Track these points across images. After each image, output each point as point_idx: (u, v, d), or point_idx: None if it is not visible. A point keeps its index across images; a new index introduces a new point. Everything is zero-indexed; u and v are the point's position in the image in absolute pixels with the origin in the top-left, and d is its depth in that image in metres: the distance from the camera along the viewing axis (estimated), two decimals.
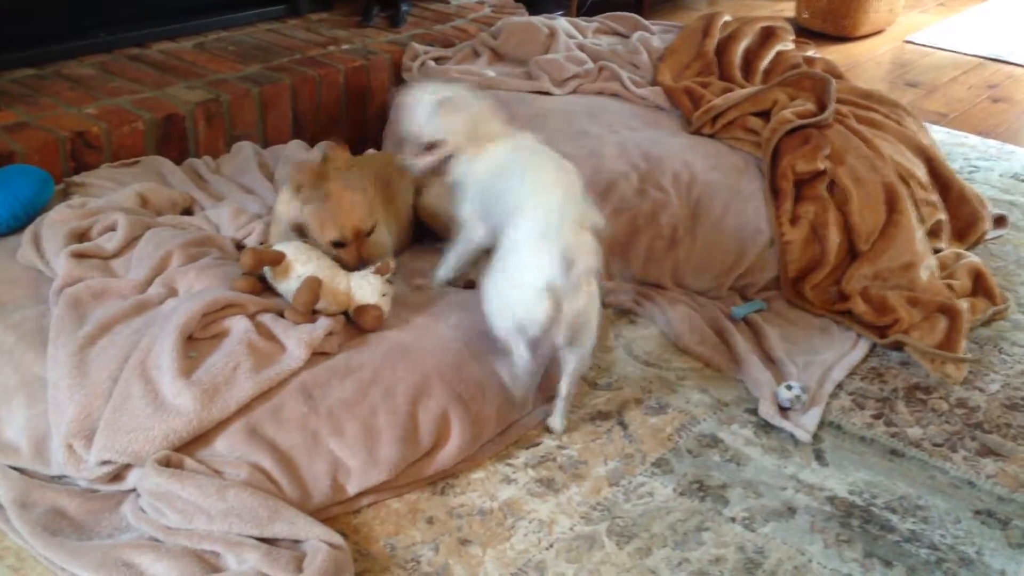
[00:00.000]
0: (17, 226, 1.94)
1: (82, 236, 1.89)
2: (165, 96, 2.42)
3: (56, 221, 1.89)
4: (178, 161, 2.31)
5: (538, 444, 1.74)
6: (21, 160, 2.10)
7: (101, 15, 2.69)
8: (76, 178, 2.13)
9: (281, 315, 1.72)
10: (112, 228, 1.90)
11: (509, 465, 1.68)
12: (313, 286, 1.70)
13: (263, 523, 1.43)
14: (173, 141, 2.36)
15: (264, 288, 1.78)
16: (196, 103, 2.39)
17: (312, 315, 1.72)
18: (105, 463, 1.50)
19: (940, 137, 2.92)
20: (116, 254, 1.87)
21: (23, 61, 2.51)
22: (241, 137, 2.47)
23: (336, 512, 1.55)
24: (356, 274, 1.78)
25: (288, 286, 1.74)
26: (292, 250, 1.77)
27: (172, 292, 1.76)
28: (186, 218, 2.05)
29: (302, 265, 1.74)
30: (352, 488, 1.56)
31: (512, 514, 1.58)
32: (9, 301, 1.77)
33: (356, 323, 1.74)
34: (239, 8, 2.96)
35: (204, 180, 2.27)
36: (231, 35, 2.88)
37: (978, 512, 1.63)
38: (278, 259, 1.75)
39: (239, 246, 1.98)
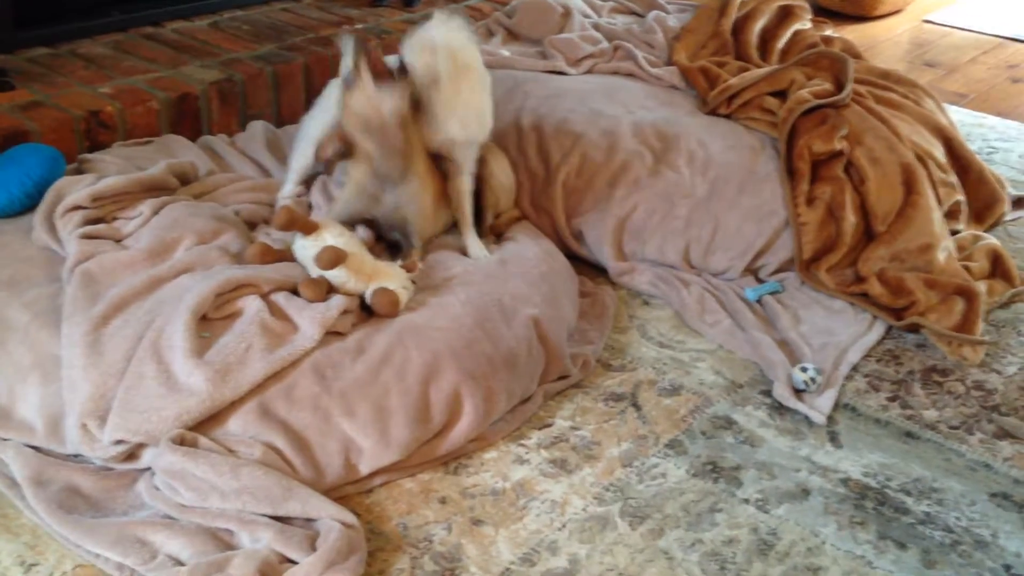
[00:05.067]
0: (30, 204, 1.94)
1: (98, 221, 1.89)
2: (179, 75, 2.42)
3: (73, 207, 1.88)
4: (192, 140, 2.31)
5: (550, 425, 1.73)
6: (36, 139, 2.11)
7: None
8: (89, 156, 2.13)
9: (295, 292, 1.72)
10: (135, 216, 1.90)
11: (522, 446, 1.68)
12: (338, 250, 1.70)
13: (276, 502, 1.44)
14: (187, 120, 2.36)
15: (276, 259, 1.78)
16: (210, 82, 2.39)
17: (327, 293, 1.71)
18: (119, 442, 1.50)
19: (959, 118, 2.89)
20: (130, 234, 1.88)
21: (38, 40, 2.51)
22: (255, 116, 2.47)
23: (349, 491, 1.56)
24: (383, 262, 1.79)
25: (311, 251, 1.72)
26: (328, 225, 1.77)
27: (184, 267, 1.76)
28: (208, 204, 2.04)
29: (333, 238, 1.74)
30: (364, 468, 1.56)
31: (525, 494, 1.58)
32: (23, 279, 1.77)
33: (371, 305, 1.73)
34: None
35: (220, 156, 2.27)
36: (245, 14, 2.87)
37: (994, 495, 1.62)
38: (312, 228, 1.75)
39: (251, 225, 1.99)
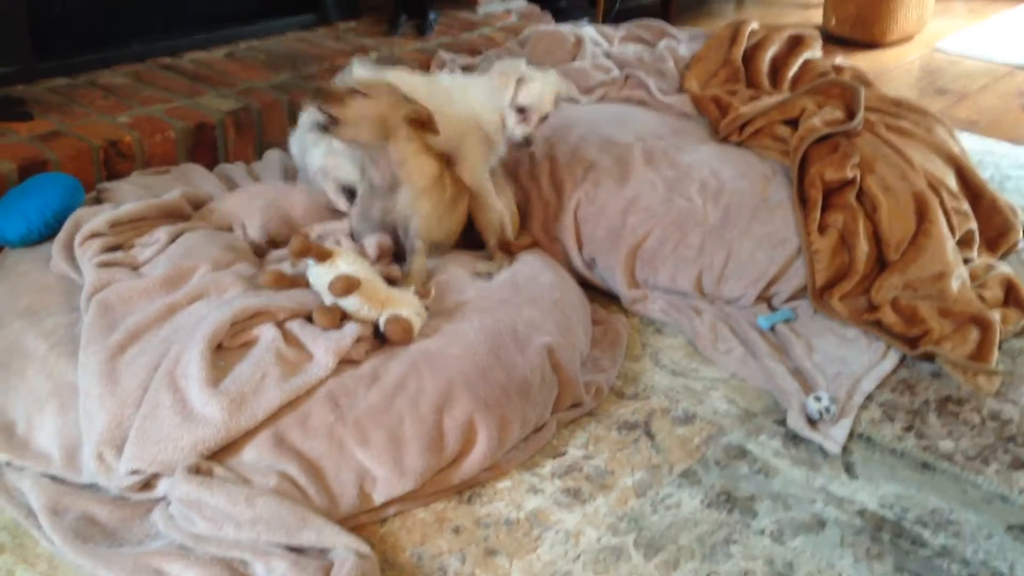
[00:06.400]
0: (49, 234, 1.96)
1: (116, 248, 1.90)
2: (196, 105, 2.45)
3: (91, 234, 1.90)
4: (209, 169, 2.34)
5: (564, 454, 1.73)
6: (55, 169, 2.13)
7: (134, 24, 2.72)
8: (107, 184, 2.16)
9: (309, 319, 1.73)
10: (152, 243, 1.92)
11: (535, 475, 1.68)
12: (352, 278, 1.71)
13: (291, 531, 1.44)
14: (204, 149, 2.38)
15: (290, 285, 1.80)
16: (227, 112, 2.42)
17: (340, 321, 1.72)
18: (135, 472, 1.51)
19: (970, 145, 2.89)
20: (147, 261, 1.90)
21: (57, 70, 2.54)
22: (271, 145, 2.49)
23: (363, 521, 1.56)
24: (397, 289, 1.81)
25: (325, 279, 1.74)
26: (342, 252, 1.80)
27: (199, 294, 1.77)
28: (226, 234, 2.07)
29: (347, 265, 1.75)
30: (379, 497, 1.56)
31: (539, 524, 1.57)
32: (41, 308, 1.79)
33: (385, 333, 1.74)
34: (269, 17, 2.99)
35: (237, 184, 2.29)
36: (261, 44, 2.91)
37: (1011, 527, 1.61)
38: (326, 255, 1.76)
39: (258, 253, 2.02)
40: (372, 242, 2.00)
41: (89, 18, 2.64)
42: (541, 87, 2.05)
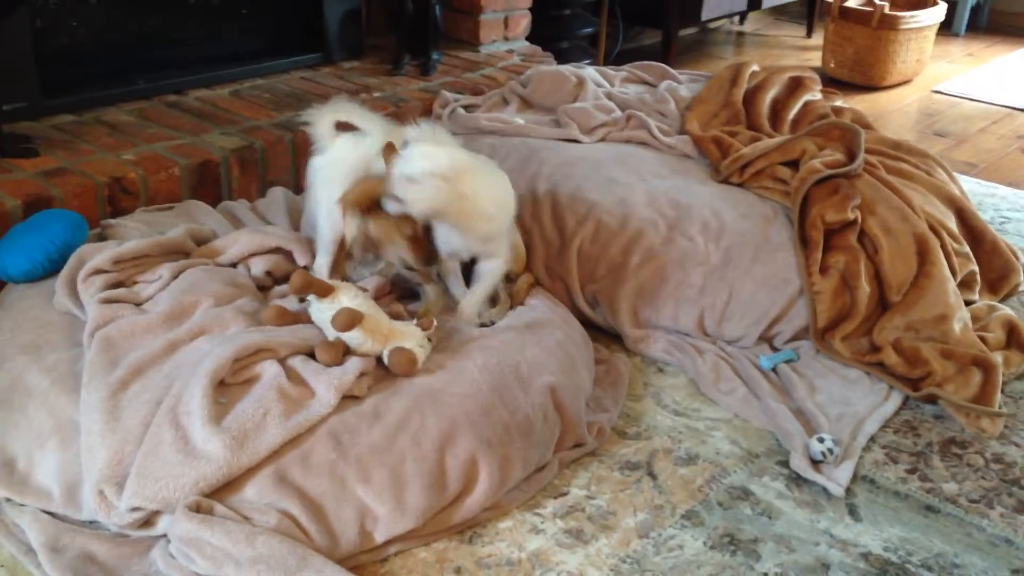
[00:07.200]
0: (53, 270, 1.96)
1: (119, 285, 1.91)
2: (201, 143, 2.46)
3: (94, 271, 1.90)
4: (212, 206, 2.34)
5: (566, 494, 1.72)
6: (59, 205, 2.14)
7: (140, 62, 2.75)
8: (111, 221, 2.16)
9: (312, 355, 1.73)
10: (155, 279, 1.93)
11: (537, 515, 1.67)
12: (354, 312, 1.71)
13: (291, 571, 1.43)
14: (208, 187, 2.39)
15: (292, 320, 1.80)
16: (231, 149, 2.43)
17: (343, 356, 1.72)
18: (135, 509, 1.50)
19: (970, 188, 2.91)
20: (149, 297, 1.90)
21: (63, 107, 2.56)
22: (274, 183, 2.51)
23: (364, 560, 1.54)
24: (399, 322, 1.81)
25: (327, 314, 1.74)
26: (343, 287, 1.80)
27: (201, 330, 1.77)
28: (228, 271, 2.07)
29: (349, 300, 1.76)
30: (380, 536, 1.55)
31: (540, 565, 1.56)
32: (44, 344, 1.79)
33: (388, 365, 1.74)
34: (274, 56, 3.02)
35: (240, 221, 2.30)
36: (266, 83, 2.93)
37: (1016, 571, 1.59)
38: (327, 290, 1.77)
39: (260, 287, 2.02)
40: (372, 284, 2.00)
41: (95, 56, 2.67)
42: (423, 183, 1.77)
